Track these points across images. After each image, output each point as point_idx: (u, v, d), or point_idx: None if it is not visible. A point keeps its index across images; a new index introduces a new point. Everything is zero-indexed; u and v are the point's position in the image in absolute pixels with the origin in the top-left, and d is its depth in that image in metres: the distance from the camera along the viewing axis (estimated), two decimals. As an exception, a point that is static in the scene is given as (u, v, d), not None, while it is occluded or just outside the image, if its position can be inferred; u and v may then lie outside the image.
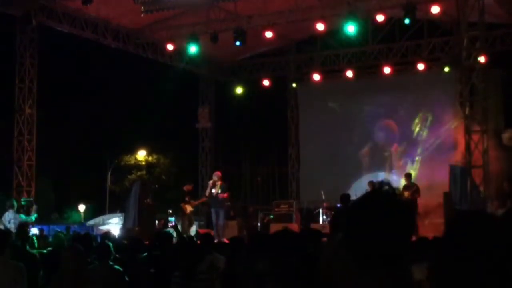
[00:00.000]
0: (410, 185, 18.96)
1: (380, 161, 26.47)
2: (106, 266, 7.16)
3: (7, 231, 9.32)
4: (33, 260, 8.03)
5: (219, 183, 19.64)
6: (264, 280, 4.24)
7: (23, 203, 19.23)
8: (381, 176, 24.77)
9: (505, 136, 21.99)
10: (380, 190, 2.35)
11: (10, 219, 17.26)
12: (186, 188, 20.97)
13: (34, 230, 18.18)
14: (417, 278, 2.35)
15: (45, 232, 22.92)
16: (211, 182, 20.02)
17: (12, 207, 17.63)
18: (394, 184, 20.38)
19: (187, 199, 20.46)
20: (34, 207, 18.98)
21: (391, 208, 2.27)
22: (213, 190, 19.56)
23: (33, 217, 18.28)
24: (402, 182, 19.77)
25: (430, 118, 25.53)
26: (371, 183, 20.34)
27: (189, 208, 20.28)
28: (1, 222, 17.81)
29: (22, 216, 17.88)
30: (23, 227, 11.21)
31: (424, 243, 7.28)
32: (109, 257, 7.36)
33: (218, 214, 19.55)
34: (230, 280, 7.16)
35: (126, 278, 7.18)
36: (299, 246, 3.07)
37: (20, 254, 7.52)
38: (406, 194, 18.01)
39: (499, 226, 2.11)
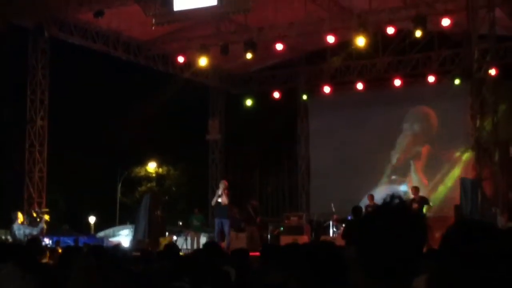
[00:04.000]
0: (418, 198, 19.05)
1: (391, 174, 26.44)
2: (117, 277, 7.19)
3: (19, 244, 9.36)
4: (45, 271, 8.06)
5: (225, 192, 19.76)
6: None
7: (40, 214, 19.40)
8: (392, 188, 24.71)
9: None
10: (391, 204, 2.37)
11: (15, 231, 17.43)
12: (252, 203, 21.37)
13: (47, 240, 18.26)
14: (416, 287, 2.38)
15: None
16: (218, 191, 20.15)
17: (16, 219, 17.77)
18: (404, 197, 20.35)
19: (252, 214, 20.83)
20: (44, 218, 19.06)
21: (402, 222, 2.30)
22: (220, 200, 19.67)
23: (38, 228, 18.37)
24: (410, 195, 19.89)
25: (441, 131, 25.48)
26: (370, 196, 20.52)
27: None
28: (10, 233, 17.95)
29: (26, 227, 18.00)
30: (34, 239, 11.26)
31: (433, 255, 7.24)
32: (120, 269, 7.39)
33: (223, 224, 19.62)
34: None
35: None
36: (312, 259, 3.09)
37: (31, 265, 7.55)
38: (414, 207, 18.01)
39: (498, 236, 2.13)
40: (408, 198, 18.94)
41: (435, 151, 25.70)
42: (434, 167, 25.58)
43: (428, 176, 25.54)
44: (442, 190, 24.80)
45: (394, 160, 26.47)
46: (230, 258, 9.13)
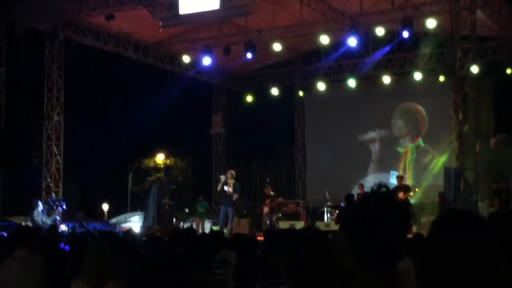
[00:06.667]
0: (402, 186, 19.19)
1: (380, 164, 26.43)
2: (128, 260, 7.19)
3: (27, 226, 9.36)
4: (62, 255, 8.07)
5: (232, 181, 19.65)
6: (278, 273, 4.26)
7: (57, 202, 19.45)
8: (380, 177, 24.71)
9: (493, 141, 22.00)
10: (379, 192, 2.38)
11: (34, 218, 17.49)
12: (266, 191, 21.37)
13: (63, 227, 18.28)
14: (402, 269, 2.37)
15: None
16: (223, 178, 19.93)
17: (36, 206, 17.82)
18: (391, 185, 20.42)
19: (267, 201, 20.84)
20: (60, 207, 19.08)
21: (388, 208, 2.30)
22: (225, 188, 19.57)
23: (56, 215, 18.41)
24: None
25: (426, 124, 25.48)
26: (360, 185, 20.58)
27: (266, 209, 20.67)
28: (30, 220, 17.99)
29: (44, 214, 18.04)
30: (53, 225, 11.30)
31: (419, 239, 7.28)
32: (131, 253, 7.39)
33: (228, 212, 19.59)
34: (242, 274, 7.18)
35: (147, 271, 7.20)
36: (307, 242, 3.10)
37: (50, 249, 7.56)
38: (400, 195, 18.05)
39: (483, 225, 2.13)
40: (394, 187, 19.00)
41: (421, 143, 25.72)
42: (421, 158, 25.59)
43: (415, 167, 25.54)
44: (428, 178, 24.80)
45: (383, 152, 26.48)
46: (231, 242, 9.13)
